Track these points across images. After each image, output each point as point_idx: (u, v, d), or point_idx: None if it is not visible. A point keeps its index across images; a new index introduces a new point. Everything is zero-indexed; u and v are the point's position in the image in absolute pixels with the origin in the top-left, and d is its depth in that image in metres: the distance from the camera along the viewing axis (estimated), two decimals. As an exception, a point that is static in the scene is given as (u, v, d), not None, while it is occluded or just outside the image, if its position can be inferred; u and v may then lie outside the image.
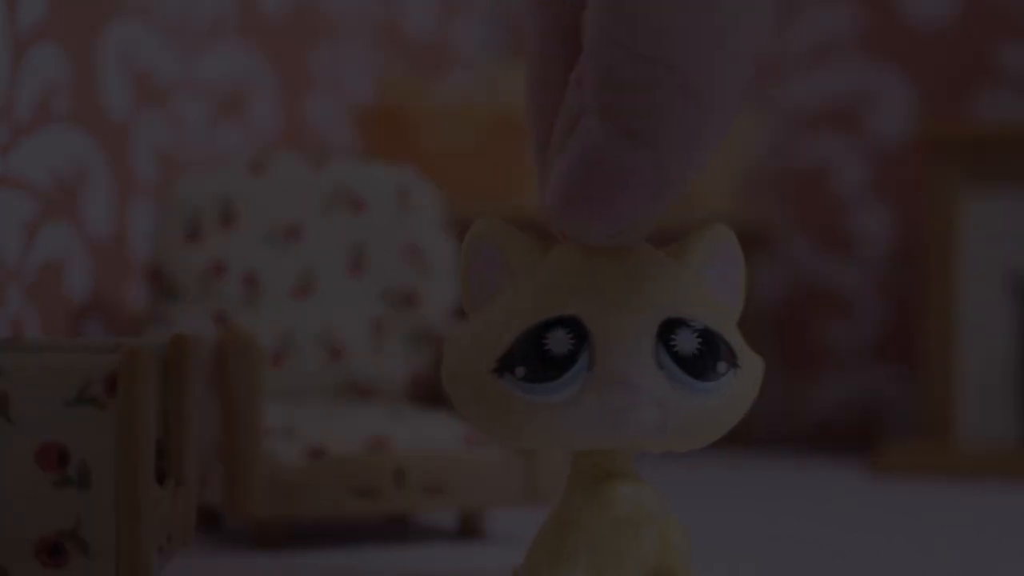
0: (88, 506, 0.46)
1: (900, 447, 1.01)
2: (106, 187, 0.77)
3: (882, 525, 0.74)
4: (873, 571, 0.60)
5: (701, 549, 0.55)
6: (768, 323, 1.17)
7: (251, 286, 0.70)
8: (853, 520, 0.76)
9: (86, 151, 0.75)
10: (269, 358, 0.69)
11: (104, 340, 0.51)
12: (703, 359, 0.43)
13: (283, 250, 0.71)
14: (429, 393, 0.72)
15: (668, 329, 0.43)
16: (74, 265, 0.74)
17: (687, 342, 0.43)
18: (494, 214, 0.76)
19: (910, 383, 1.15)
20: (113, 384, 0.45)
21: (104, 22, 0.77)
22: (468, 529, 0.67)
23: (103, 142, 0.77)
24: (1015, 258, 1.01)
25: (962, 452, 1.00)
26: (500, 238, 0.46)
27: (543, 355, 0.43)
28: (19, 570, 0.46)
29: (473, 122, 1.00)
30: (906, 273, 1.16)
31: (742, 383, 0.45)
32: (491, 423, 0.45)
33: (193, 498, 0.52)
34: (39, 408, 0.46)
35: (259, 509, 0.62)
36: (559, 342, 0.43)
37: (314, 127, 1.01)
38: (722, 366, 0.44)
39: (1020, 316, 1.02)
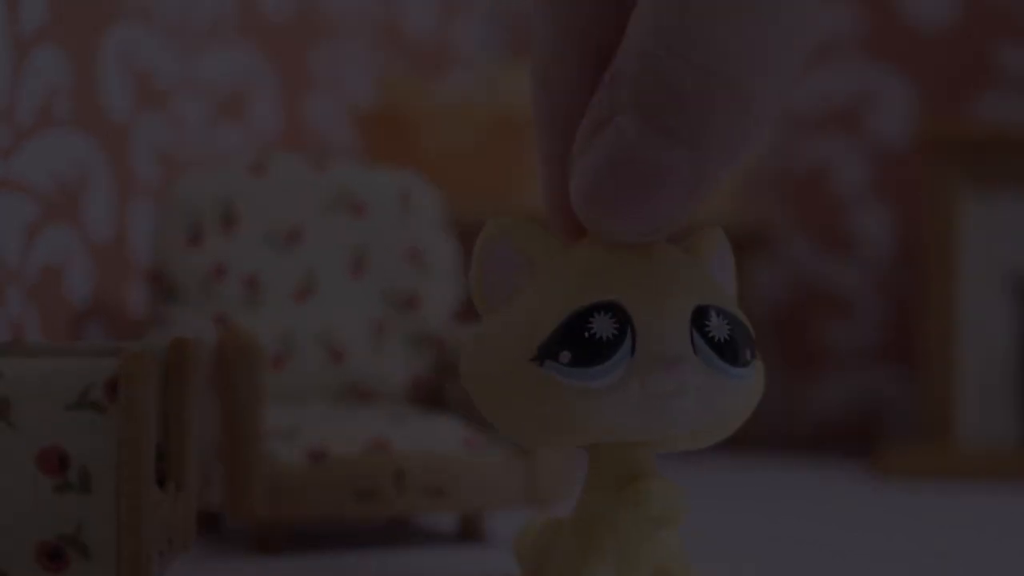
0: (89, 510, 0.46)
1: (900, 447, 1.01)
2: (107, 189, 0.77)
3: (882, 526, 0.74)
4: (873, 572, 0.60)
5: (701, 549, 0.55)
6: (768, 323, 1.17)
7: (252, 288, 0.70)
8: (853, 520, 0.76)
9: (87, 153, 0.75)
10: (270, 360, 0.69)
11: (105, 344, 0.51)
12: (734, 345, 0.44)
13: (284, 252, 0.71)
14: (430, 395, 0.72)
15: (701, 315, 0.44)
16: (75, 267, 0.74)
17: (719, 328, 0.44)
18: (496, 214, 0.76)
19: (910, 383, 1.15)
20: (114, 388, 0.46)
21: (105, 24, 0.77)
22: (468, 531, 0.67)
23: (104, 144, 0.77)
24: (1015, 259, 1.01)
25: (962, 453, 1.00)
26: (519, 235, 0.46)
27: (588, 339, 0.43)
28: (20, 574, 0.46)
29: (473, 122, 1.00)
30: (906, 274, 1.16)
31: (759, 373, 0.46)
32: (525, 418, 0.45)
33: (194, 501, 0.52)
34: (40, 412, 0.46)
35: (259, 511, 0.62)
36: (604, 326, 0.43)
37: (314, 128, 1.01)
38: (747, 353, 0.44)
39: (1020, 317, 1.02)
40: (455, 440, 0.65)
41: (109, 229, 0.78)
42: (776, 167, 1.19)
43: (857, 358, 1.17)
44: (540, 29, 0.45)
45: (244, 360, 0.62)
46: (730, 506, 0.81)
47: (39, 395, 0.46)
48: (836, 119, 1.18)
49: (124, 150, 0.79)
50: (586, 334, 0.43)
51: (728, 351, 0.44)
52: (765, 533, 0.71)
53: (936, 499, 0.86)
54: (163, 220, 0.70)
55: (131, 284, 0.80)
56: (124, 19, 0.79)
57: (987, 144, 1.02)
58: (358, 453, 0.64)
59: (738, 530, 0.71)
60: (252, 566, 0.60)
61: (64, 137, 0.73)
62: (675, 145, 0.40)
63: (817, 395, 1.18)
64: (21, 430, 0.46)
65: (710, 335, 0.44)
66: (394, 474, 0.64)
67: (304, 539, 0.67)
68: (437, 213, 0.74)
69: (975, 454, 0.99)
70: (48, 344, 0.52)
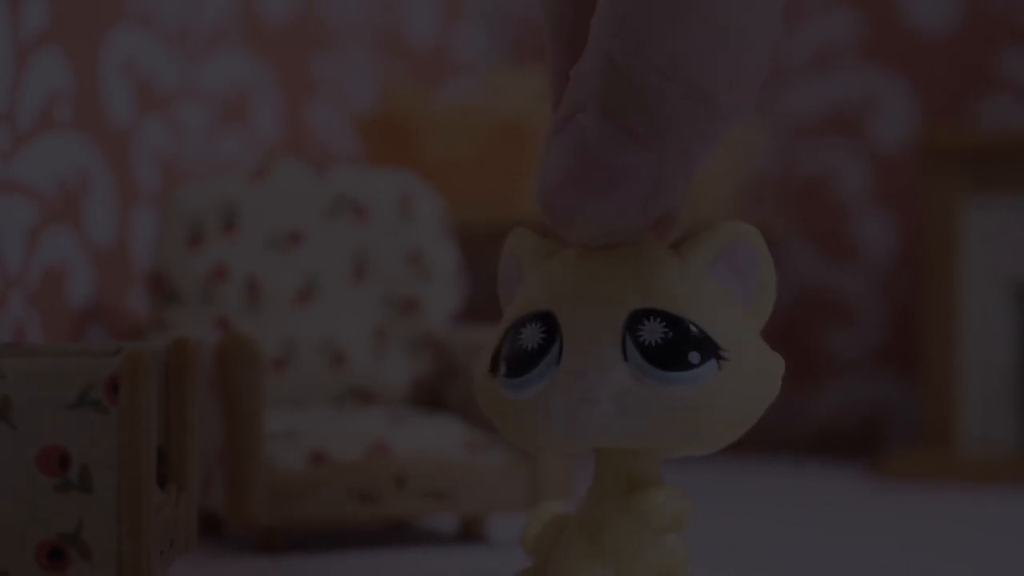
0: (89, 510, 0.46)
1: (902, 453, 1.01)
2: (108, 193, 0.77)
3: (884, 530, 0.74)
4: (874, 575, 0.60)
5: (703, 554, 0.55)
6: (770, 329, 1.16)
7: (253, 292, 0.70)
8: (855, 525, 0.76)
9: (88, 158, 0.76)
10: (271, 364, 0.69)
11: (105, 345, 0.51)
12: (670, 348, 0.43)
13: (285, 257, 0.71)
14: (430, 398, 0.72)
15: (636, 320, 0.43)
16: (76, 271, 0.74)
17: (652, 332, 0.43)
18: (496, 220, 0.76)
19: (911, 388, 1.15)
20: (115, 388, 0.46)
21: (106, 30, 0.77)
22: (469, 534, 0.67)
23: (105, 149, 0.77)
24: (1016, 265, 1.01)
25: (963, 458, 1.00)
26: (518, 246, 0.47)
27: (517, 349, 0.44)
28: (20, 574, 0.46)
29: (474, 129, 1.00)
30: (907, 280, 1.16)
31: (736, 377, 0.44)
32: (495, 423, 0.46)
33: (195, 503, 0.52)
34: (40, 412, 0.46)
35: (260, 514, 0.62)
36: (530, 336, 0.44)
37: (316, 134, 1.01)
38: (694, 356, 0.43)
39: (1021, 323, 1.01)
40: (455, 443, 0.65)
41: (110, 233, 0.78)
42: (778, 174, 1.19)
43: (858, 363, 1.17)
44: (547, 33, 0.45)
45: (245, 364, 0.62)
46: (732, 509, 0.81)
47: (40, 395, 0.46)
48: (837, 125, 1.18)
49: (125, 154, 0.79)
50: (517, 346, 0.44)
51: (663, 355, 0.43)
52: (767, 536, 0.71)
53: (937, 503, 0.86)
54: (164, 224, 0.70)
55: (132, 288, 0.80)
56: (125, 24, 0.79)
57: (988, 150, 1.02)
58: (359, 456, 0.64)
59: (740, 533, 0.71)
60: (253, 568, 0.60)
61: (65, 141, 0.74)
62: (634, 146, 0.40)
63: (819, 400, 1.18)
64: (22, 430, 0.46)
65: (641, 340, 0.43)
66: (395, 477, 0.64)
67: (305, 542, 0.67)
68: (437, 217, 0.74)
69: (976, 459, 0.99)
70: (49, 345, 0.52)
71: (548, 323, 0.44)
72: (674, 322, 0.43)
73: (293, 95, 0.98)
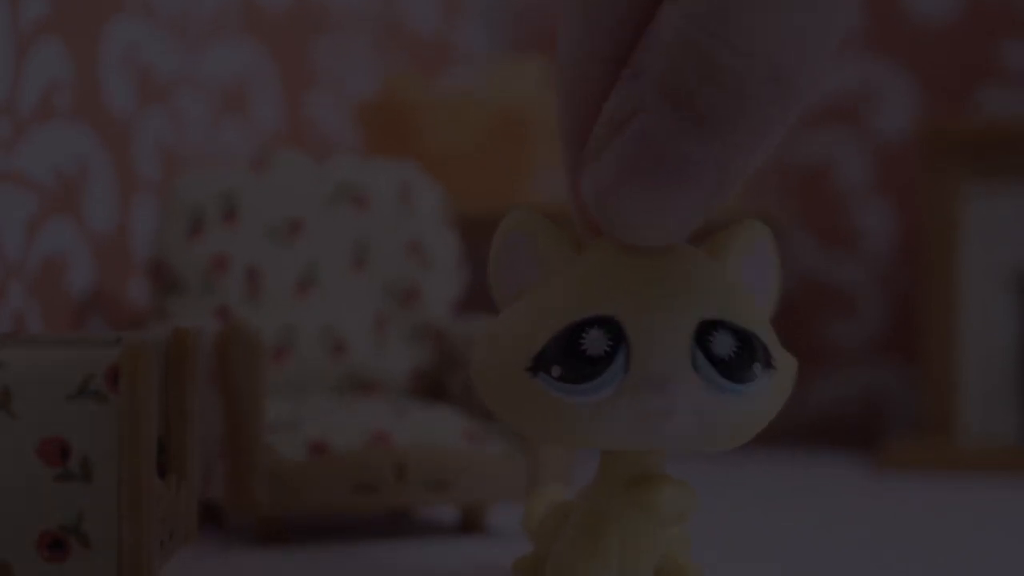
0: (90, 500, 0.46)
1: (902, 443, 1.01)
2: (108, 183, 0.77)
3: (883, 520, 0.74)
4: (874, 567, 0.60)
5: (705, 544, 0.55)
6: (770, 319, 1.17)
7: (253, 282, 0.70)
8: (855, 515, 0.76)
9: (88, 147, 0.76)
10: (271, 353, 0.69)
11: (106, 334, 0.51)
12: (739, 361, 0.42)
13: (286, 246, 0.71)
14: (430, 387, 0.72)
15: (705, 331, 0.42)
16: (76, 261, 0.74)
17: (724, 344, 0.42)
18: (496, 209, 0.76)
19: (912, 379, 1.15)
20: (115, 378, 0.46)
21: (106, 19, 0.77)
22: (469, 524, 0.67)
23: (105, 139, 0.77)
24: (1017, 255, 1.01)
25: (963, 448, 1.00)
26: (534, 229, 0.45)
27: (579, 355, 0.42)
28: (21, 564, 0.46)
29: (475, 119, 1.00)
30: (908, 270, 1.16)
31: (776, 384, 0.44)
32: (523, 421, 0.44)
33: (195, 493, 0.52)
34: (41, 402, 0.46)
35: (261, 504, 0.62)
36: (596, 342, 0.42)
37: (316, 124, 1.01)
38: (758, 368, 0.43)
39: (1021, 313, 1.01)
40: (456, 433, 0.65)
41: (110, 222, 0.78)
42: (778, 162, 1.19)
43: (859, 353, 1.17)
44: (569, 34, 0.43)
45: (245, 353, 0.62)
46: (733, 500, 0.81)
47: (41, 385, 0.46)
48: (838, 115, 1.18)
49: (125, 144, 0.79)
50: (577, 350, 0.42)
51: (733, 368, 0.42)
52: (767, 526, 0.71)
53: (937, 493, 0.86)
54: (165, 214, 0.70)
55: (132, 278, 0.80)
56: (125, 14, 0.79)
57: (989, 140, 1.02)
58: (359, 446, 0.64)
59: (741, 523, 0.71)
60: (253, 558, 0.60)
61: (65, 131, 0.73)
62: (704, 134, 0.39)
63: (819, 390, 1.18)
64: (23, 420, 0.46)
65: (712, 352, 0.42)
66: (395, 467, 0.64)
67: (305, 531, 0.67)
68: (438, 207, 0.74)
69: (975, 449, 0.99)
70: (49, 335, 0.52)
71: (613, 329, 0.42)
72: (741, 334, 0.43)
73: (293, 85, 0.98)
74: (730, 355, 0.42)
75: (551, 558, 0.47)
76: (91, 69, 0.76)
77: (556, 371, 0.42)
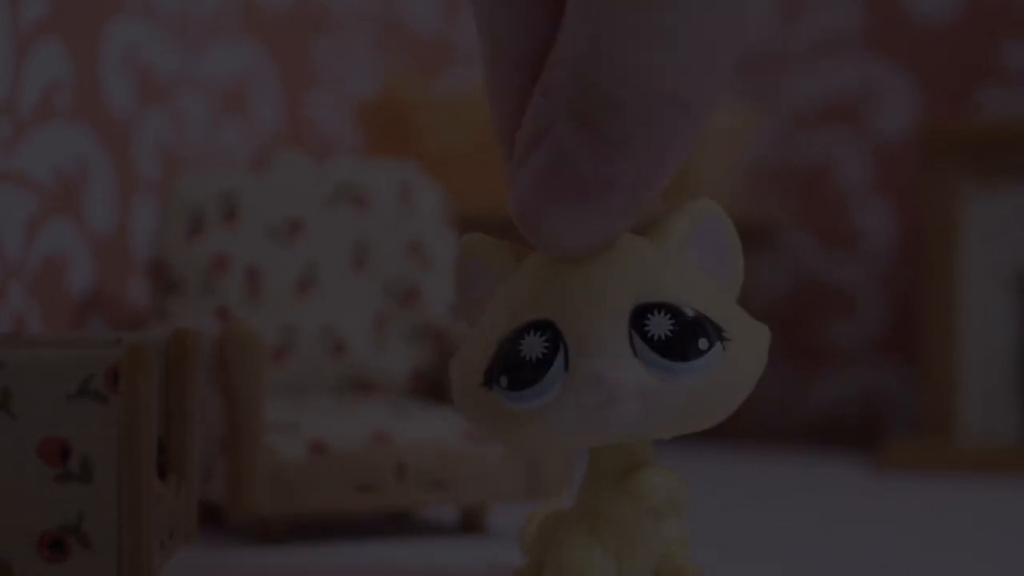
0: (90, 501, 0.46)
1: (902, 443, 1.01)
2: (108, 183, 0.77)
3: (883, 520, 0.74)
4: (874, 567, 0.60)
5: (703, 544, 0.55)
6: (770, 319, 1.16)
7: (253, 282, 0.70)
8: (854, 515, 0.77)
9: (88, 148, 0.76)
10: (271, 353, 0.69)
11: (106, 335, 0.51)
12: (680, 339, 0.43)
13: (285, 246, 0.71)
14: (431, 388, 0.72)
15: (640, 315, 0.43)
16: (76, 261, 0.74)
17: (659, 325, 0.43)
18: (496, 210, 0.76)
19: (912, 379, 1.15)
20: (115, 378, 0.46)
21: (106, 19, 0.77)
22: (469, 525, 0.67)
23: (105, 139, 0.77)
24: (1017, 255, 1.01)
25: (963, 449, 1.00)
26: (481, 252, 0.47)
27: (520, 362, 0.43)
28: (21, 564, 0.46)
29: (475, 119, 1.00)
30: (908, 270, 1.16)
31: (736, 355, 0.44)
32: (491, 433, 0.45)
33: (195, 493, 0.52)
34: (41, 402, 0.46)
35: (261, 504, 0.62)
36: (532, 347, 0.43)
37: (316, 124, 1.01)
38: (703, 342, 0.43)
39: (1021, 312, 1.02)
40: (456, 433, 0.65)
41: (110, 223, 0.78)
42: (778, 163, 1.19)
43: (859, 353, 1.17)
44: (479, 40, 0.44)
45: (245, 353, 0.62)
46: (732, 500, 0.81)
47: (41, 385, 0.46)
48: (838, 115, 1.18)
49: (125, 144, 0.79)
50: (518, 357, 0.43)
51: (674, 346, 0.43)
52: (766, 527, 0.71)
53: (937, 493, 0.86)
54: (165, 214, 0.70)
55: (132, 278, 0.80)
56: (125, 14, 0.79)
57: (989, 140, 1.02)
58: (359, 446, 0.64)
59: (740, 524, 0.71)
60: (253, 558, 0.60)
61: (65, 131, 0.74)
62: (613, 154, 0.40)
63: (819, 390, 1.18)
64: (23, 420, 0.46)
65: (649, 335, 0.43)
66: (395, 467, 0.64)
67: (305, 532, 0.67)
68: (438, 208, 0.74)
69: (976, 449, 0.99)
70: (49, 335, 0.52)
71: (549, 331, 0.43)
72: (677, 312, 0.43)
73: (293, 85, 0.98)
74: (667, 334, 0.43)
75: (548, 559, 0.47)
76: (91, 69, 0.76)
77: (503, 381, 0.43)
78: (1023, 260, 1.01)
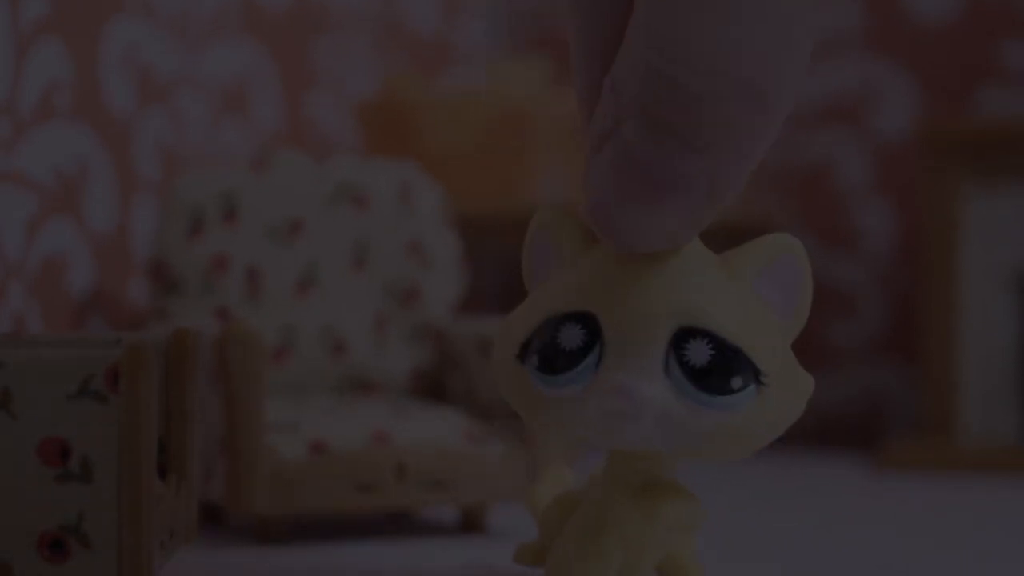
0: (90, 501, 0.46)
1: (902, 443, 1.01)
2: (108, 183, 0.77)
3: (884, 521, 0.74)
4: (874, 567, 0.60)
5: (704, 544, 0.55)
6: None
7: (253, 282, 0.70)
8: (855, 516, 0.76)
9: (88, 148, 0.76)
10: (271, 353, 0.69)
11: (106, 335, 0.51)
12: (715, 371, 0.42)
13: (286, 246, 0.71)
14: (431, 388, 0.72)
15: (683, 337, 0.42)
16: (76, 261, 0.74)
17: (698, 352, 0.42)
18: (497, 210, 0.75)
19: (912, 380, 1.15)
20: (115, 378, 0.46)
21: (106, 19, 0.77)
22: (470, 524, 0.67)
23: (105, 139, 0.77)
24: (1017, 255, 1.01)
25: (963, 449, 1.00)
26: (556, 227, 0.46)
27: (555, 347, 0.43)
28: (21, 564, 0.46)
29: (475, 119, 1.00)
30: (908, 270, 1.16)
31: (770, 402, 0.43)
32: (514, 404, 0.45)
33: (195, 493, 0.52)
34: (41, 402, 0.46)
35: (261, 504, 0.62)
36: (571, 337, 0.43)
37: (316, 124, 1.01)
38: (737, 381, 0.42)
39: (1021, 312, 1.01)
40: (456, 433, 0.65)
41: (110, 223, 0.78)
42: (778, 163, 1.19)
43: (859, 353, 1.17)
44: (570, 43, 0.43)
45: (245, 353, 0.62)
46: (733, 500, 0.81)
47: (41, 385, 0.46)
48: (838, 115, 1.18)
49: (125, 144, 0.79)
50: (554, 343, 0.43)
51: (708, 378, 0.42)
52: (767, 526, 0.71)
53: (937, 493, 0.86)
54: (165, 214, 0.70)
55: (132, 278, 0.80)
56: (125, 14, 0.79)
57: (989, 140, 1.02)
58: (359, 446, 0.64)
59: (741, 524, 0.71)
60: (253, 558, 0.60)
61: (65, 131, 0.73)
62: (686, 153, 0.39)
63: (819, 390, 1.18)
64: (23, 420, 0.46)
65: (686, 359, 0.42)
66: (395, 467, 0.64)
67: (305, 531, 0.67)
68: (438, 207, 0.74)
69: (976, 449, 0.99)
70: (49, 335, 0.52)
71: (589, 326, 0.42)
72: (720, 345, 0.42)
73: (293, 85, 0.98)
74: (704, 364, 0.42)
75: (550, 557, 0.47)
76: (91, 69, 0.76)
77: (535, 360, 0.43)
78: (1023, 260, 1.01)
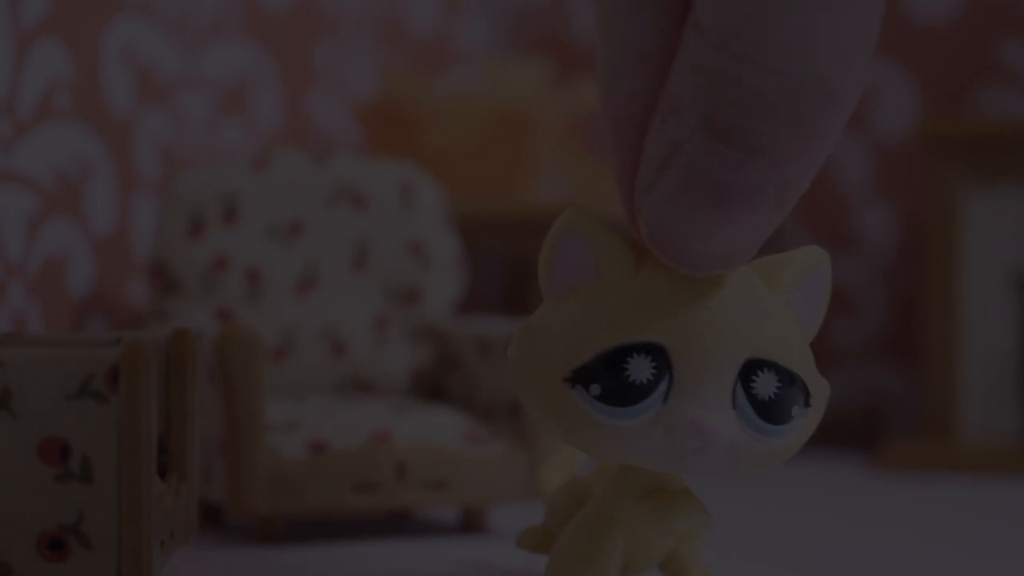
0: (90, 500, 0.46)
1: (903, 443, 1.01)
2: (108, 183, 0.77)
3: (885, 520, 0.74)
4: (874, 567, 0.60)
5: (704, 544, 0.55)
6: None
7: (254, 282, 0.70)
8: (856, 515, 0.76)
9: (89, 147, 0.76)
10: (271, 354, 0.69)
11: (106, 335, 0.51)
12: (779, 404, 0.42)
13: (286, 246, 0.71)
14: (431, 388, 0.72)
15: (750, 369, 0.42)
16: (76, 261, 0.74)
17: (766, 386, 0.42)
18: (496, 209, 0.75)
19: (913, 379, 1.15)
20: (115, 378, 0.46)
21: (107, 18, 0.77)
22: (470, 524, 0.67)
23: (106, 138, 0.77)
24: (1017, 254, 1.01)
25: (964, 447, 1.00)
26: (593, 234, 0.43)
27: (622, 379, 0.41)
28: (21, 564, 0.46)
29: (475, 118, 1.00)
30: (909, 269, 1.16)
31: (810, 420, 0.44)
32: (555, 427, 0.43)
33: (195, 493, 0.52)
34: (41, 402, 0.46)
35: (261, 504, 0.62)
36: (641, 370, 0.41)
37: (317, 123, 1.01)
38: (796, 410, 0.42)
39: (1022, 312, 1.01)
40: (456, 433, 0.65)
41: (111, 222, 0.78)
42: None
43: (860, 353, 1.17)
44: (603, 47, 0.41)
45: (245, 353, 0.62)
46: (734, 499, 0.81)
47: (41, 385, 0.46)
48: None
49: (126, 144, 0.79)
50: (620, 374, 0.41)
51: (772, 410, 0.42)
52: (769, 525, 0.71)
53: (938, 492, 0.86)
54: (166, 214, 0.70)
55: (133, 278, 0.80)
56: (126, 13, 0.79)
57: (989, 140, 1.02)
58: (359, 446, 0.64)
59: (742, 522, 0.71)
60: (253, 558, 0.60)
61: (66, 130, 0.73)
62: (756, 162, 0.38)
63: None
64: (23, 420, 0.46)
65: (754, 393, 0.42)
66: (395, 467, 0.64)
67: (305, 532, 0.67)
68: (438, 207, 0.74)
69: (977, 448, 0.99)
70: (50, 335, 0.52)
71: (659, 358, 0.41)
72: (785, 375, 0.42)
73: (294, 84, 0.98)
74: (771, 397, 0.42)
75: (552, 555, 0.47)
76: (91, 69, 0.76)
77: (595, 389, 0.42)
78: (1023, 259, 1.01)
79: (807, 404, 0.43)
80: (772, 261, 0.44)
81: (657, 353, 0.41)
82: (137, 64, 0.80)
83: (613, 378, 0.41)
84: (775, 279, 0.44)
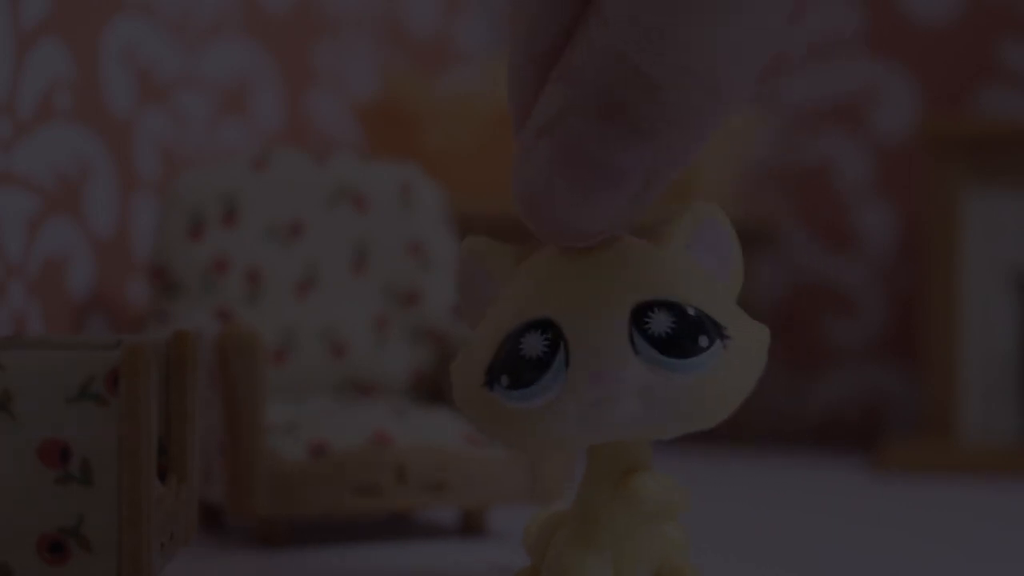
0: (90, 503, 0.46)
1: (902, 444, 1.01)
2: (108, 183, 0.77)
3: (884, 521, 0.74)
4: (874, 567, 0.60)
5: (702, 545, 0.55)
6: (770, 320, 1.16)
7: (253, 283, 0.70)
8: (855, 516, 0.76)
9: (88, 147, 0.76)
10: (271, 354, 0.69)
11: (106, 337, 0.51)
12: (680, 336, 0.43)
13: (286, 247, 0.71)
14: (431, 390, 0.72)
15: (641, 313, 0.43)
16: (76, 262, 0.74)
17: (660, 323, 0.43)
18: (496, 210, 0.76)
19: (912, 379, 1.15)
20: (115, 380, 0.46)
21: (106, 19, 0.77)
22: (470, 527, 0.67)
23: (106, 138, 0.77)
24: (1018, 255, 1.01)
25: (964, 448, 1.00)
26: (482, 254, 0.47)
27: (521, 360, 0.43)
28: (21, 567, 0.46)
29: (476, 118, 1.00)
30: (908, 269, 1.16)
31: (736, 355, 0.44)
32: (493, 434, 0.45)
33: (195, 495, 0.52)
34: (41, 404, 0.46)
35: (260, 506, 0.62)
36: (533, 345, 0.43)
37: (317, 123, 1.01)
38: (703, 340, 0.43)
39: (1022, 312, 1.01)
40: (457, 435, 0.65)
41: (110, 223, 0.78)
42: (778, 164, 1.18)
43: (859, 354, 1.17)
44: (509, 38, 0.43)
45: (245, 354, 0.62)
46: (733, 501, 0.81)
47: (40, 387, 0.46)
48: (838, 115, 1.18)
49: (126, 144, 0.79)
50: (518, 356, 0.43)
51: (674, 344, 0.43)
52: (767, 526, 0.71)
53: (938, 494, 0.86)
54: (165, 214, 0.70)
55: (133, 279, 0.80)
56: (125, 13, 0.79)
57: (989, 140, 1.02)
58: (359, 448, 0.64)
59: (740, 525, 0.71)
60: (253, 561, 0.60)
61: (65, 131, 0.73)
62: (633, 142, 0.39)
63: (819, 391, 1.18)
64: (22, 422, 0.46)
65: (650, 332, 0.43)
66: (395, 469, 0.64)
67: (305, 534, 0.67)
68: (438, 208, 0.74)
69: (977, 449, 0.99)
70: (49, 337, 0.52)
71: (549, 330, 0.43)
72: (678, 309, 0.43)
73: (294, 84, 0.98)
74: (668, 332, 0.43)
75: (546, 560, 0.47)
76: (91, 69, 0.76)
77: (504, 380, 0.44)
78: (1023, 260, 1.01)
79: (723, 336, 0.44)
80: (655, 223, 0.46)
81: (546, 326, 0.43)
82: (137, 64, 0.80)
83: (513, 362, 0.43)
84: (660, 236, 0.45)
